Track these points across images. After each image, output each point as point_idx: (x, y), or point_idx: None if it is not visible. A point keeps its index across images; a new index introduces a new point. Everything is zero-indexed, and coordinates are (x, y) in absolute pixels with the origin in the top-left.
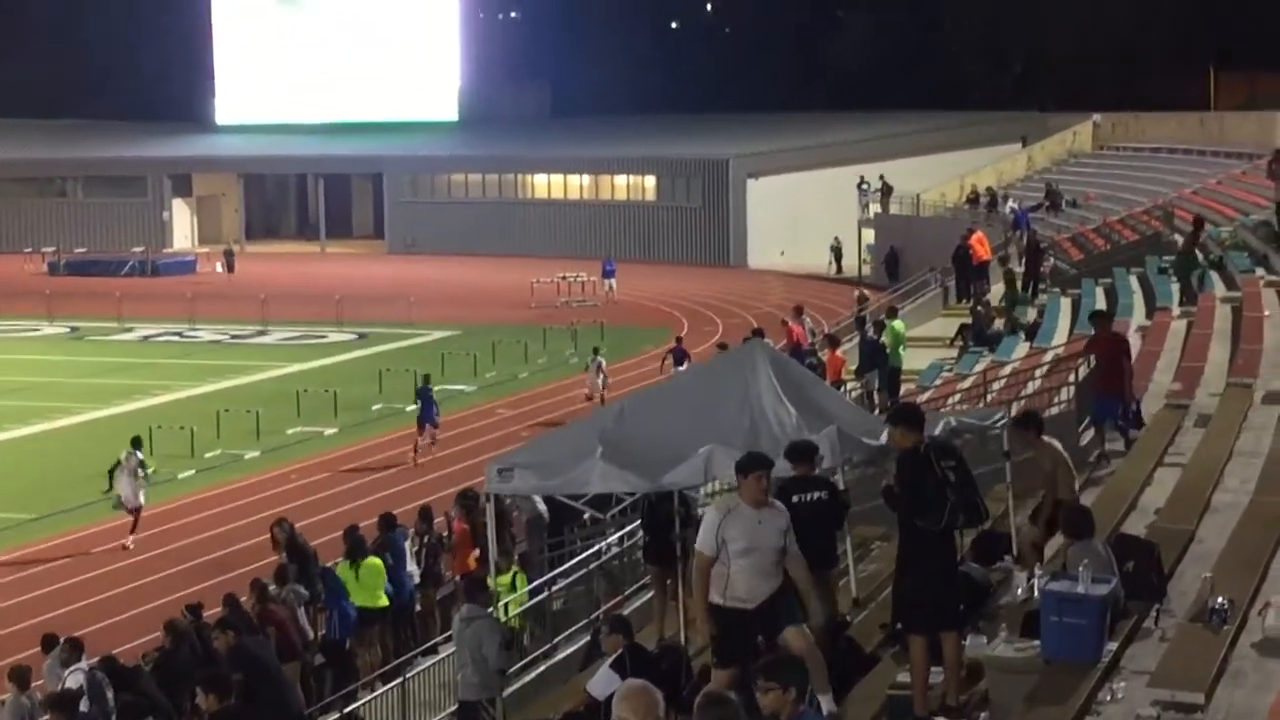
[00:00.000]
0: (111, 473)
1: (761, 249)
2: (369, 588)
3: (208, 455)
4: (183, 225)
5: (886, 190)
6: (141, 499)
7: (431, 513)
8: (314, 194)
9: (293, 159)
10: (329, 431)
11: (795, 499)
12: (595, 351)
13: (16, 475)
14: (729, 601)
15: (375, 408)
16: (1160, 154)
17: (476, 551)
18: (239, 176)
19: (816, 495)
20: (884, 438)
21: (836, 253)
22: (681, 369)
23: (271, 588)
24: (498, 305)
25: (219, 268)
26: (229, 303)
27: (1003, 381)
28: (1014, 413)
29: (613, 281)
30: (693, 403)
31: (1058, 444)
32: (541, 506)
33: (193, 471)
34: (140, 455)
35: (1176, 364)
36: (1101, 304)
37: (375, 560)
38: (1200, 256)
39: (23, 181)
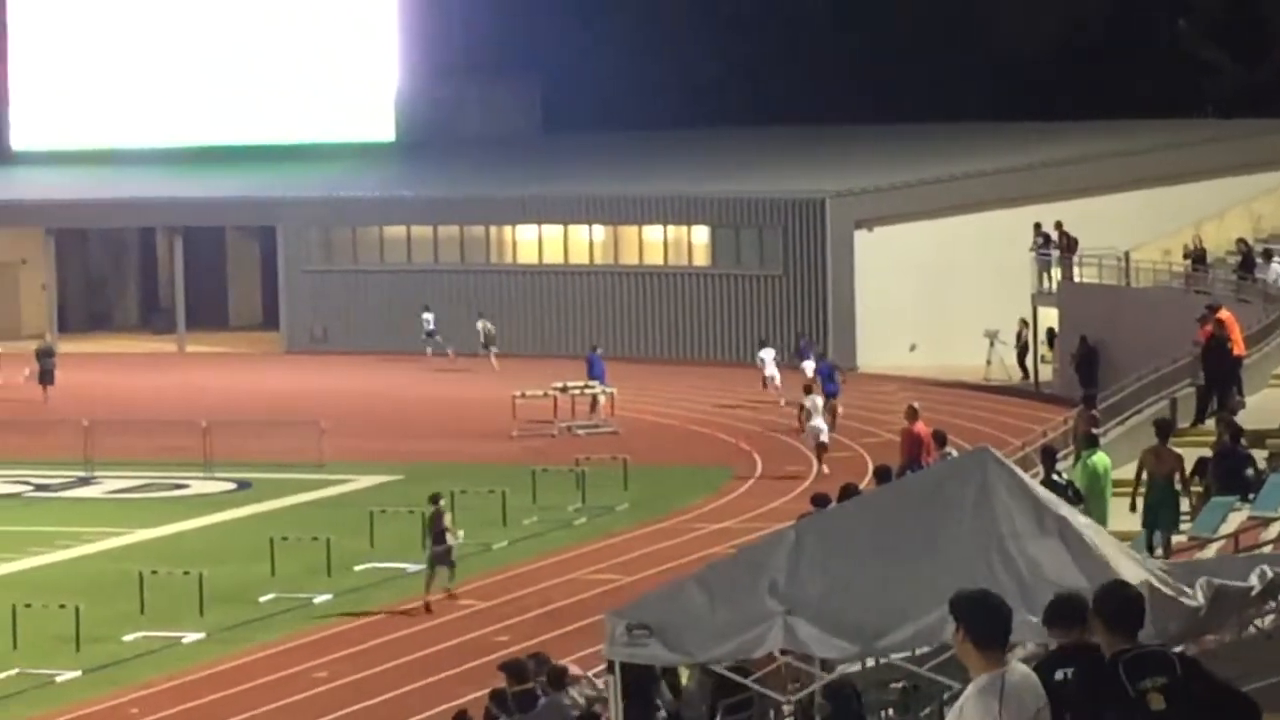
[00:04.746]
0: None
1: (879, 340)
2: None
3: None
4: None
5: (1068, 244)
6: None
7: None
8: (166, 260)
9: (132, 204)
10: (191, 638)
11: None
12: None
13: None
14: None
15: (265, 599)
16: None
17: None
18: (47, 232)
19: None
20: (1254, 578)
21: (1025, 347)
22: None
23: None
24: (459, 434)
25: (25, 377)
26: (32, 433)
27: (1267, 549)
28: None
29: (600, 390)
30: (898, 536)
31: None
32: None
33: None
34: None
35: None
36: None
37: None
38: None
39: None
